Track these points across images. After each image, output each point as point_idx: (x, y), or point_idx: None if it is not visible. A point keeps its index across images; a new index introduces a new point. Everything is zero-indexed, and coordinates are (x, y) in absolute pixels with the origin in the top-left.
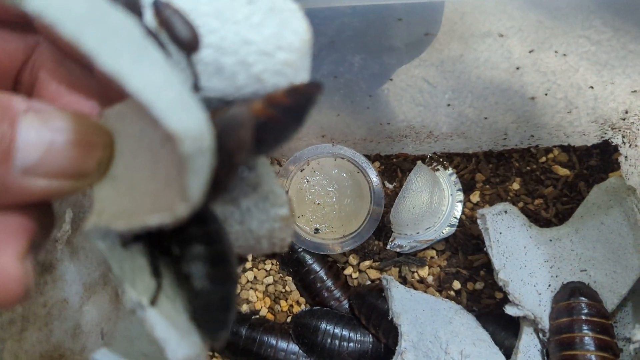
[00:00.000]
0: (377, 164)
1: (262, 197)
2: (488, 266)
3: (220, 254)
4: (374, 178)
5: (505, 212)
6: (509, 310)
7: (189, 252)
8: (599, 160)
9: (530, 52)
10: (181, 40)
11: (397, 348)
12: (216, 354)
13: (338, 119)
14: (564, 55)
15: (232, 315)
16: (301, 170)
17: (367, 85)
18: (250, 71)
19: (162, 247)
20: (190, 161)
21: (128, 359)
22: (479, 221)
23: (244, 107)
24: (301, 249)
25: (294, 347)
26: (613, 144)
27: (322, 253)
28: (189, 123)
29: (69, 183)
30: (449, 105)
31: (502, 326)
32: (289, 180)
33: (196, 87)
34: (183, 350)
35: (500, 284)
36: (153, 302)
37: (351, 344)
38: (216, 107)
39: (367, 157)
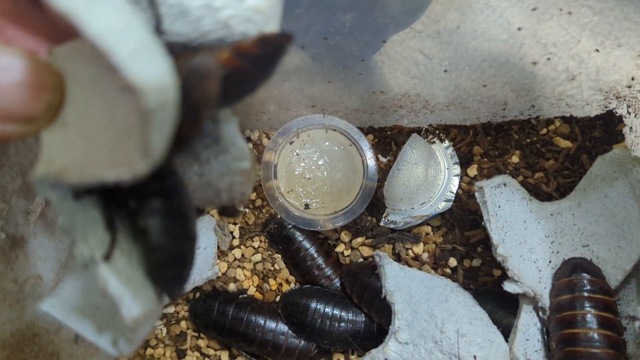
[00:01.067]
0: (371, 136)
1: (223, 149)
2: (486, 242)
3: (179, 209)
4: (367, 151)
5: (504, 184)
6: (508, 287)
7: (146, 205)
8: (603, 131)
9: (533, 10)
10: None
11: (390, 327)
12: (202, 335)
13: (329, 87)
14: (569, 14)
15: (190, 270)
16: (290, 143)
17: (360, 48)
18: (217, 16)
19: (118, 199)
20: (152, 116)
21: (78, 312)
22: (476, 194)
23: (210, 55)
24: (291, 226)
25: (282, 327)
26: (617, 115)
27: (312, 230)
28: (152, 74)
29: (14, 127)
30: (445, 71)
31: (500, 304)
32: (278, 154)
33: (158, 31)
34: (137, 307)
35: (499, 259)
36: (107, 257)
37: (342, 324)
38: (179, 54)
39: (360, 129)
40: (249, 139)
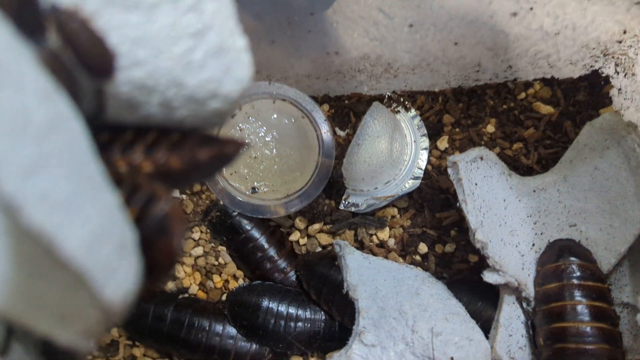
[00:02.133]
0: (326, 106)
1: None
2: (460, 224)
3: None
4: (323, 124)
5: (481, 158)
6: (488, 277)
7: None
8: (588, 94)
9: None
10: (89, 64)
11: (354, 327)
12: (137, 343)
13: (274, 48)
14: None
15: None
16: (232, 117)
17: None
18: (170, 115)
19: None
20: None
21: None
22: (449, 171)
23: (167, 207)
24: (236, 213)
25: (230, 330)
26: (603, 75)
27: (262, 217)
28: (122, 290)
29: None
30: (411, 25)
31: (479, 295)
32: (217, 129)
33: (96, 118)
34: None
35: (478, 245)
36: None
37: (299, 324)
38: (138, 204)
39: (314, 99)
40: None
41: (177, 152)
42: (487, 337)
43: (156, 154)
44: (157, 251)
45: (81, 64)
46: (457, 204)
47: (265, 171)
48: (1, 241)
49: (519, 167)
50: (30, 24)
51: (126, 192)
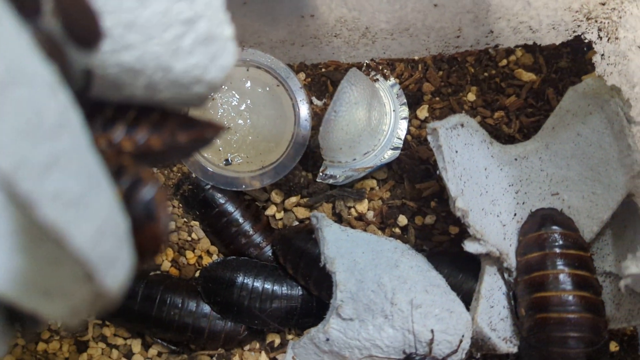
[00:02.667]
0: (302, 75)
1: None
2: (440, 196)
3: None
4: (298, 92)
5: (462, 125)
6: (469, 246)
7: None
8: (570, 61)
9: None
10: (76, 34)
11: (331, 301)
12: (107, 322)
13: (245, 9)
14: None
15: None
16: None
17: None
18: (154, 96)
19: None
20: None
21: None
22: (429, 137)
23: (153, 191)
24: (209, 186)
25: (204, 307)
26: (586, 41)
27: (236, 190)
28: (120, 279)
29: None
30: None
31: (459, 267)
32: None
33: (80, 96)
34: None
35: (458, 214)
36: None
37: (275, 300)
38: (124, 186)
39: (290, 67)
40: None
41: (157, 133)
42: (468, 309)
43: (137, 134)
44: (143, 236)
45: (70, 34)
46: (437, 172)
47: (239, 142)
48: (7, 226)
49: (500, 136)
50: (27, 3)
51: (111, 172)
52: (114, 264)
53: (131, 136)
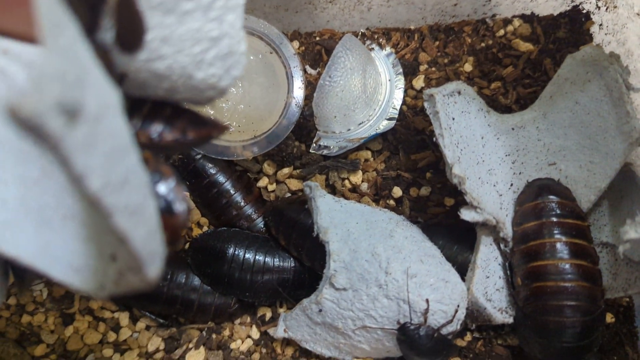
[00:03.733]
0: (296, 43)
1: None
2: (435, 166)
3: None
4: (292, 59)
5: (459, 92)
6: (466, 214)
7: None
8: (568, 31)
9: None
10: (124, 42)
11: (324, 271)
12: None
13: None
14: None
15: None
16: None
17: None
18: (172, 97)
19: None
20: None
21: None
22: (426, 104)
23: (172, 186)
24: (199, 156)
25: (194, 280)
26: (584, 11)
27: (227, 159)
28: (158, 270)
29: None
30: None
31: (455, 239)
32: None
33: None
34: None
35: (455, 181)
36: None
37: (267, 272)
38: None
39: (284, 35)
40: None
41: (170, 129)
42: (463, 280)
43: (151, 129)
44: (164, 228)
45: (120, 42)
46: (434, 140)
47: (231, 111)
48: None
49: (497, 107)
50: (90, 20)
51: None
52: (155, 259)
53: (145, 130)
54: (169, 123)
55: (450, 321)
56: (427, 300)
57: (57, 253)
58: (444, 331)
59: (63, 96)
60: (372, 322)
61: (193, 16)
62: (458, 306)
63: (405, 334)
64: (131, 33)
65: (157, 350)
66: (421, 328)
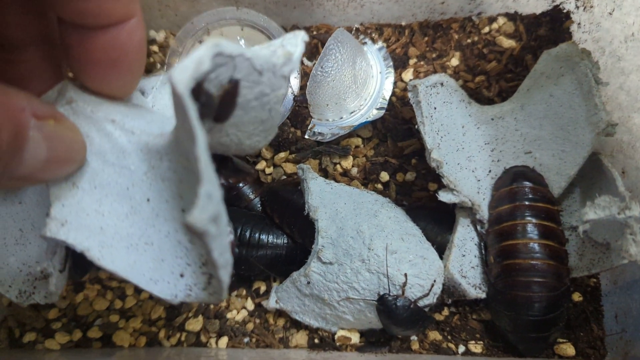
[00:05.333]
0: None
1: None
2: (420, 153)
3: None
4: None
5: (442, 84)
6: (443, 196)
7: None
8: (549, 29)
9: None
10: (220, 112)
11: (313, 247)
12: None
13: None
14: None
15: None
16: (199, 42)
17: None
18: (224, 152)
19: None
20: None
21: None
22: (409, 94)
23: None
24: None
25: None
26: (565, 11)
27: None
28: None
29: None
30: None
31: (435, 221)
32: (185, 56)
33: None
34: None
35: (433, 165)
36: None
37: (262, 248)
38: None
39: (283, 29)
40: (153, 41)
41: (217, 176)
42: (441, 259)
43: None
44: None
45: (216, 114)
46: (416, 127)
47: None
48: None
49: (480, 99)
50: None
51: None
52: (227, 268)
53: None
54: (217, 172)
55: (427, 294)
56: (405, 275)
57: (142, 269)
58: (420, 304)
59: (214, 210)
60: (355, 294)
61: (255, 109)
62: (434, 281)
63: (383, 304)
64: (225, 110)
65: (159, 318)
66: (398, 299)
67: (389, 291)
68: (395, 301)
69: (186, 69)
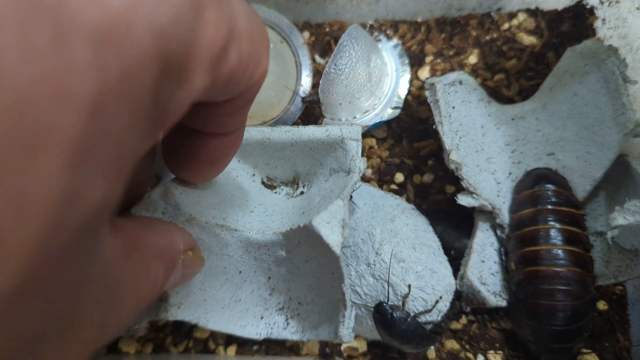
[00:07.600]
0: (307, 34)
1: None
2: (437, 155)
3: None
4: (301, 48)
5: (460, 82)
6: (462, 199)
7: None
8: (571, 25)
9: None
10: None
11: None
12: None
13: None
14: None
15: None
16: None
17: None
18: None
19: None
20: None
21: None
22: (427, 93)
23: None
24: None
25: None
26: (588, 7)
27: None
28: None
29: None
30: None
31: (453, 225)
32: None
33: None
34: None
35: (452, 167)
36: None
37: None
38: None
39: (295, 25)
40: None
41: None
42: (459, 268)
43: None
44: None
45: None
46: (434, 127)
47: None
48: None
49: (500, 98)
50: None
51: None
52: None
53: None
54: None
55: (429, 310)
56: (409, 286)
57: (233, 320)
58: (422, 319)
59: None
60: (357, 299)
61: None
62: (440, 297)
63: (379, 312)
64: None
65: (166, 325)
66: (395, 310)
67: (388, 299)
68: (392, 311)
69: (335, 228)
